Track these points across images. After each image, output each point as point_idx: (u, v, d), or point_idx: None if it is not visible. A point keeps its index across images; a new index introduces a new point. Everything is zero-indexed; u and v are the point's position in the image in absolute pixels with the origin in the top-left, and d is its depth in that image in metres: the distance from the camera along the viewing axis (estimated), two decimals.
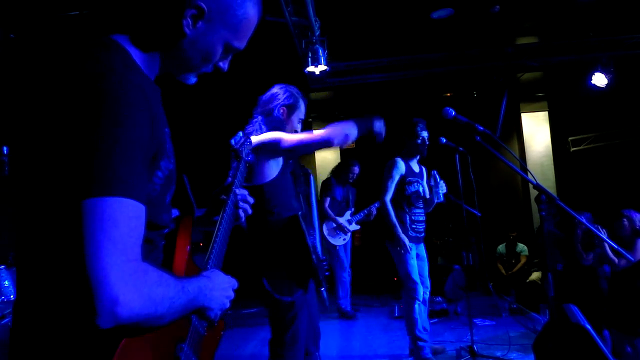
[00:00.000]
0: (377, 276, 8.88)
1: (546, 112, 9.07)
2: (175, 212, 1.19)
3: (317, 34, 5.94)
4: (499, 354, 4.14)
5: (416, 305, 4.04)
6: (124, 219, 0.84)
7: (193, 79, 1.19)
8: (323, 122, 9.61)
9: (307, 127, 10.49)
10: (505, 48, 7.48)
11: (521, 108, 9.11)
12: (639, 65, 7.68)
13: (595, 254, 3.96)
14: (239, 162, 1.49)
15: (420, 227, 4.24)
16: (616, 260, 3.70)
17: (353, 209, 6.30)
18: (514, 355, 4.13)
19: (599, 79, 7.55)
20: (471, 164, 4.03)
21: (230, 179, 1.45)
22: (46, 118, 0.89)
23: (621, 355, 3.56)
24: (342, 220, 6.13)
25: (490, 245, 7.42)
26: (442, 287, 6.61)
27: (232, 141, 1.55)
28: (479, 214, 4.53)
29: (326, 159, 9.24)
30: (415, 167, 4.28)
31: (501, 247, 7.54)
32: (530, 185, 2.39)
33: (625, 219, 3.78)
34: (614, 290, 3.72)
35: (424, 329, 4.05)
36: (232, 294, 1.16)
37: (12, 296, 3.73)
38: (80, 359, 0.89)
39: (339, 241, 6.12)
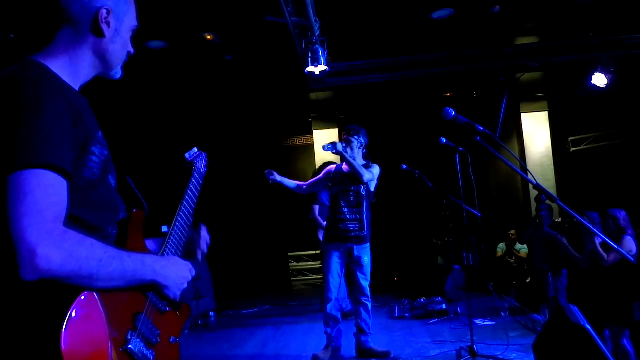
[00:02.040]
0: (377, 276, 8.89)
1: (546, 112, 9.07)
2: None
3: (317, 34, 5.94)
4: (498, 354, 4.14)
5: (327, 305, 4.22)
6: (39, 187, 0.96)
7: (120, 73, 1.30)
8: (323, 122, 9.66)
9: (307, 127, 10.54)
10: (505, 48, 7.48)
11: (521, 108, 9.11)
12: (639, 65, 7.68)
13: (586, 252, 4.01)
14: (193, 171, 1.74)
15: (345, 225, 4.22)
16: (605, 256, 3.79)
17: None
18: (514, 355, 4.13)
19: (599, 79, 7.54)
20: (471, 164, 4.02)
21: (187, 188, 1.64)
22: None
23: (617, 352, 3.60)
24: None
25: (490, 246, 7.43)
26: (442, 287, 6.62)
27: (187, 155, 1.80)
28: (479, 214, 4.52)
29: (326, 160, 9.23)
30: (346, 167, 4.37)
31: (501, 245, 7.59)
32: (530, 185, 2.39)
33: (610, 219, 3.88)
34: (606, 285, 3.80)
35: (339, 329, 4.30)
36: (189, 276, 1.26)
37: None
38: (30, 324, 0.98)
39: None
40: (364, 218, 4.23)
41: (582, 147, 9.53)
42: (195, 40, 6.84)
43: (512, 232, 7.55)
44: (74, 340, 0.97)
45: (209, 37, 6.76)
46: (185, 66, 7.63)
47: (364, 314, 4.27)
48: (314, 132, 9.62)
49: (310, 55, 6.15)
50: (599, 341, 2.63)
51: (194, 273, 1.29)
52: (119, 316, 1.12)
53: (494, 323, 5.29)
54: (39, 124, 0.99)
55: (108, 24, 1.20)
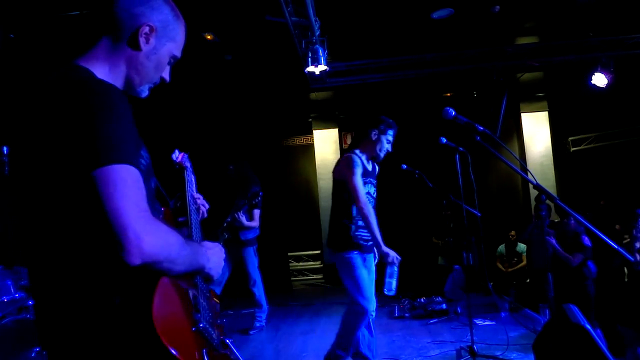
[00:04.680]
0: (377, 277, 8.89)
1: (546, 112, 9.07)
2: None
3: (317, 34, 5.94)
4: (498, 353, 4.14)
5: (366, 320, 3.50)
6: (129, 180, 1.02)
7: (146, 92, 1.37)
8: (323, 122, 9.66)
9: (307, 127, 10.51)
10: (505, 48, 7.48)
11: (521, 108, 9.11)
12: (639, 65, 7.68)
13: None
14: (185, 173, 1.85)
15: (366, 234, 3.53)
16: (634, 258, 3.77)
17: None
18: (514, 355, 4.13)
19: (599, 79, 7.54)
20: (471, 164, 4.02)
21: (186, 186, 1.78)
22: (44, 124, 1.06)
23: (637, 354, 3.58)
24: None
25: (490, 245, 7.42)
26: (442, 287, 6.62)
27: (173, 157, 1.93)
28: (479, 214, 4.52)
29: (326, 160, 9.24)
30: (369, 165, 3.64)
31: (501, 247, 7.55)
32: (530, 185, 2.39)
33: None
34: (635, 288, 3.76)
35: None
36: (224, 256, 1.37)
37: (13, 296, 3.68)
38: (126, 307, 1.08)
39: None
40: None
41: (582, 147, 9.53)
42: (195, 40, 6.84)
43: (512, 233, 7.53)
44: (163, 321, 1.08)
45: (209, 37, 6.76)
46: (185, 66, 7.62)
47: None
48: (314, 132, 9.62)
49: (310, 55, 6.15)
50: (599, 341, 2.62)
51: (224, 256, 1.41)
52: (184, 299, 1.23)
53: (494, 323, 5.28)
54: (116, 123, 1.04)
55: (147, 39, 1.25)
